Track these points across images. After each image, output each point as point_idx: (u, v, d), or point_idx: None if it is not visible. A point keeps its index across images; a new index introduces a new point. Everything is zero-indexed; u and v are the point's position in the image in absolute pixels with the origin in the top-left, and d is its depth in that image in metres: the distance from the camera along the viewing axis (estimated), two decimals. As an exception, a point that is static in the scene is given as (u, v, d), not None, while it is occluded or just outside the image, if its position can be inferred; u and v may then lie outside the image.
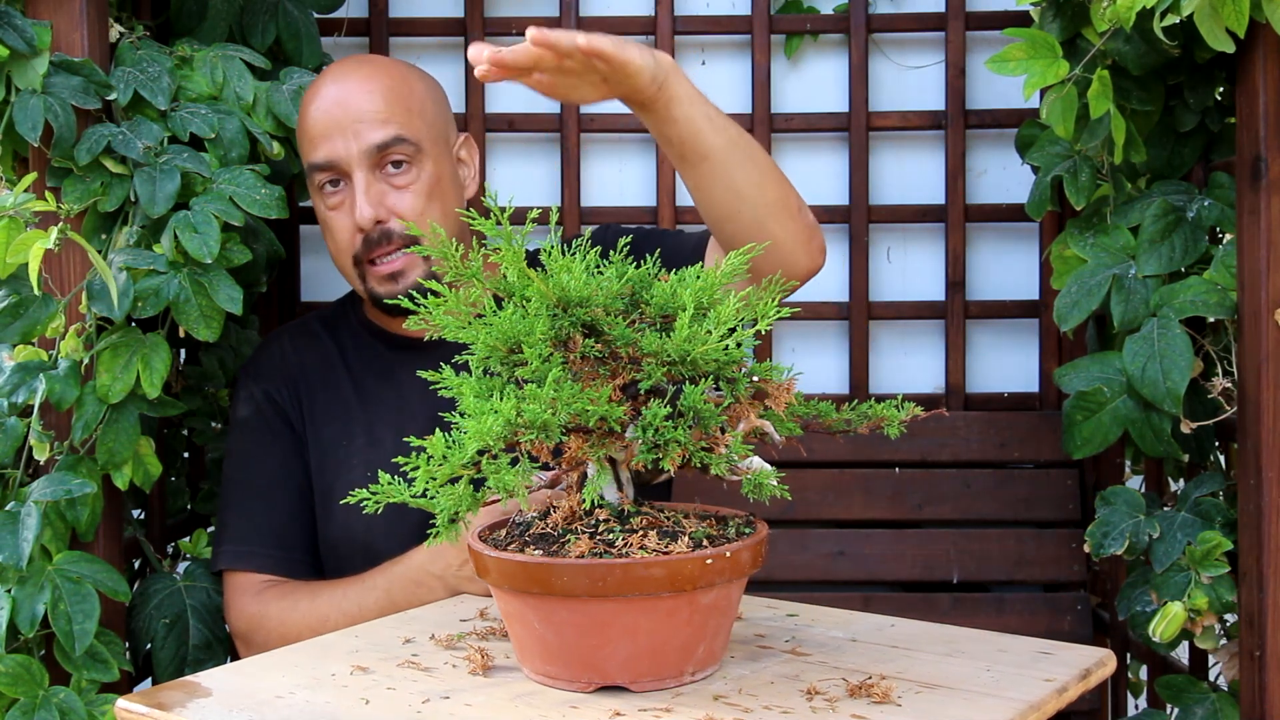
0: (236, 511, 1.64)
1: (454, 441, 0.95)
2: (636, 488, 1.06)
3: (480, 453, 0.94)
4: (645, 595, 0.95)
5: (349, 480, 1.60)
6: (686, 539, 0.98)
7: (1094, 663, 1.06)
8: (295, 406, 1.66)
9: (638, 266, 1.06)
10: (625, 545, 0.97)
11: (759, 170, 1.41)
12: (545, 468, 1.04)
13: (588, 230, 1.35)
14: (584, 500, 1.01)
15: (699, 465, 0.98)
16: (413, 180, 1.57)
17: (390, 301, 1.55)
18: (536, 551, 0.98)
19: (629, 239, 1.23)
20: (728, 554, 0.97)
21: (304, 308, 2.18)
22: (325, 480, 1.63)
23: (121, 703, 1.03)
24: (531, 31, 1.21)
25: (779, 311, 1.00)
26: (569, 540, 0.99)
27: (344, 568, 1.59)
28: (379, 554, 1.55)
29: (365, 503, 1.00)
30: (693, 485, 1.79)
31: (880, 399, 1.12)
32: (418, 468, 0.95)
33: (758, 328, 0.99)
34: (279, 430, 1.65)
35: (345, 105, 1.56)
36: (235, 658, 1.64)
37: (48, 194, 1.48)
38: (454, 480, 0.99)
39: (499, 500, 0.96)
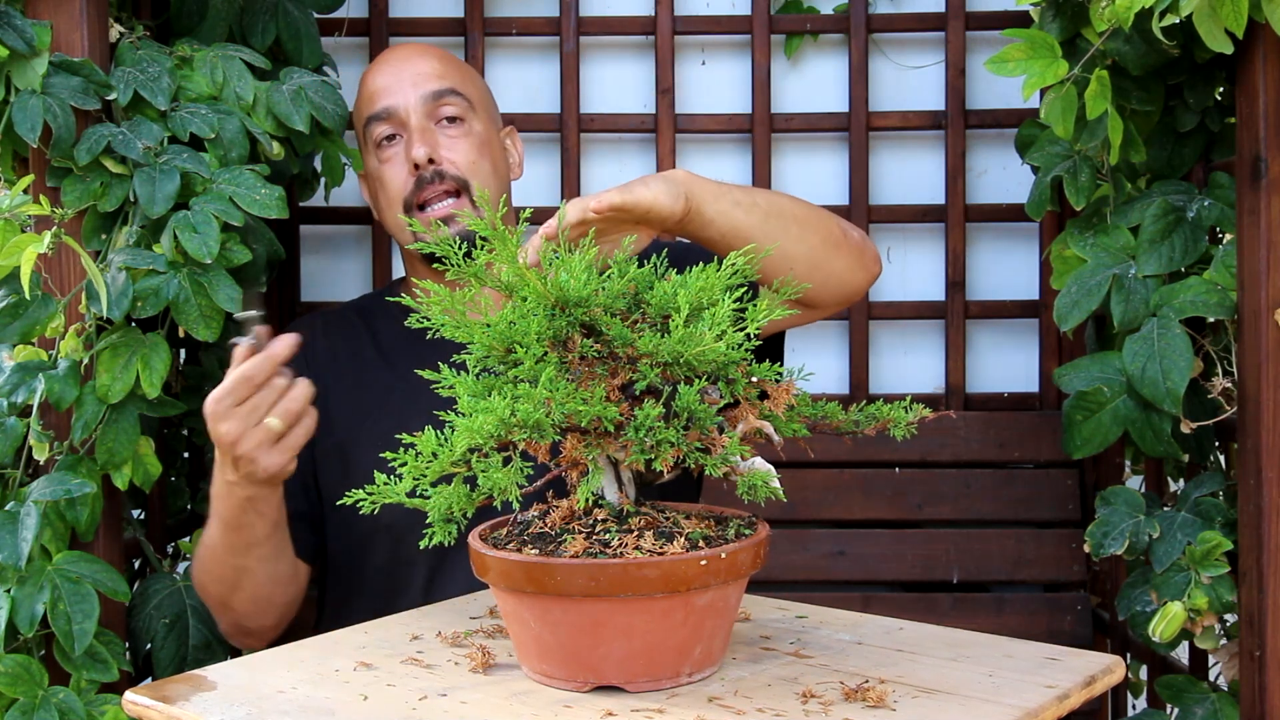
0: None
1: (444, 439, 0.95)
2: (656, 488, 1.06)
3: (472, 450, 0.94)
4: (640, 596, 0.95)
5: (373, 461, 1.59)
6: (683, 540, 0.98)
7: (1100, 669, 1.04)
8: (319, 389, 1.65)
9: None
10: (621, 545, 0.97)
11: (798, 225, 1.42)
12: (543, 468, 1.04)
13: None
14: (579, 500, 1.01)
15: (692, 466, 0.98)
16: (465, 134, 1.64)
17: (392, 298, 1.55)
18: (533, 551, 0.98)
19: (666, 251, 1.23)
20: (723, 555, 0.96)
21: (304, 308, 2.19)
22: (348, 460, 1.62)
23: (129, 695, 1.04)
24: (543, 230, 1.18)
25: (771, 314, 1.00)
26: (565, 540, 0.99)
27: (365, 545, 1.59)
28: (401, 530, 1.54)
29: (362, 504, 1.01)
30: (713, 486, 1.77)
31: (881, 399, 1.11)
32: (406, 464, 0.95)
33: (746, 330, 0.99)
34: None
35: (405, 62, 1.67)
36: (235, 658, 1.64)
37: (42, 198, 1.48)
38: (447, 479, 0.99)
39: None
